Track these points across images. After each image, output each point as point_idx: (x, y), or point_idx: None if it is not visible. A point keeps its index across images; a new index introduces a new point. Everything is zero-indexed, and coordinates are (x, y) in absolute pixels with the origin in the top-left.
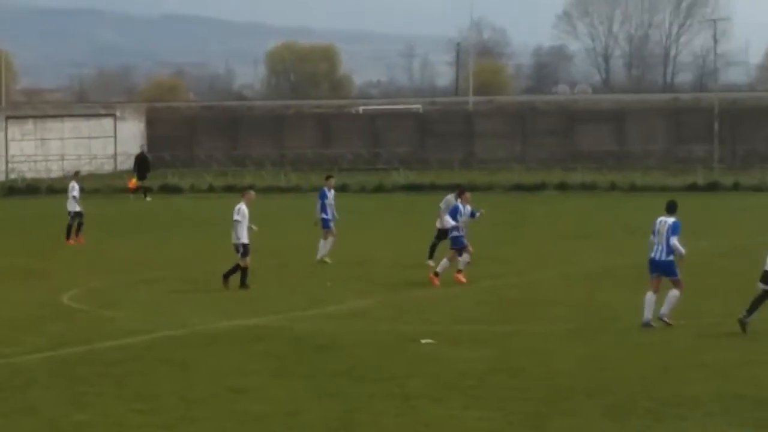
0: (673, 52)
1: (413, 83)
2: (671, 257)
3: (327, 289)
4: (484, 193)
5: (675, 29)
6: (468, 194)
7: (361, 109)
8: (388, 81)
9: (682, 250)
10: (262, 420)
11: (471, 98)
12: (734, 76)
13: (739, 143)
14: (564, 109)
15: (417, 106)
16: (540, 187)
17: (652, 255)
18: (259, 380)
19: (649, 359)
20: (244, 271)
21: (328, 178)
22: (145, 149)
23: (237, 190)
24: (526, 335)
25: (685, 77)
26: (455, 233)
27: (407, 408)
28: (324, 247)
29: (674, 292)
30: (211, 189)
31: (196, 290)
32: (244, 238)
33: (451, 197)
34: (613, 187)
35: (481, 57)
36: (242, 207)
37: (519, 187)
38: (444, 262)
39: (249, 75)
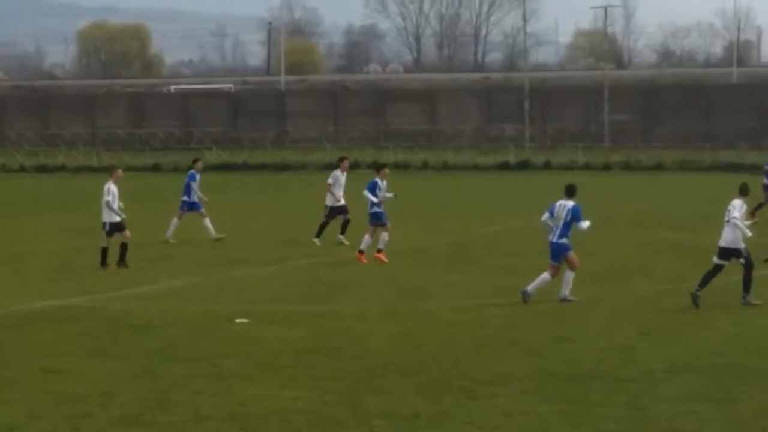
0: (483, 32)
1: (225, 63)
2: (563, 240)
3: (141, 269)
4: (296, 173)
5: (485, 8)
6: (387, 169)
7: (173, 88)
8: (199, 60)
9: (587, 223)
10: (78, 401)
11: (283, 78)
12: (544, 55)
13: (549, 122)
14: (376, 88)
15: (229, 86)
16: (352, 166)
17: (550, 238)
18: (73, 361)
19: (463, 338)
20: (123, 246)
21: (195, 161)
22: None
23: (49, 170)
24: (340, 315)
25: (495, 57)
26: (376, 209)
27: (223, 387)
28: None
29: (569, 273)
30: (22, 169)
31: (9, 271)
32: (116, 216)
33: (337, 173)
34: (425, 165)
35: (292, 36)
36: (111, 186)
37: (331, 167)
38: (366, 238)
39: (60, 54)
